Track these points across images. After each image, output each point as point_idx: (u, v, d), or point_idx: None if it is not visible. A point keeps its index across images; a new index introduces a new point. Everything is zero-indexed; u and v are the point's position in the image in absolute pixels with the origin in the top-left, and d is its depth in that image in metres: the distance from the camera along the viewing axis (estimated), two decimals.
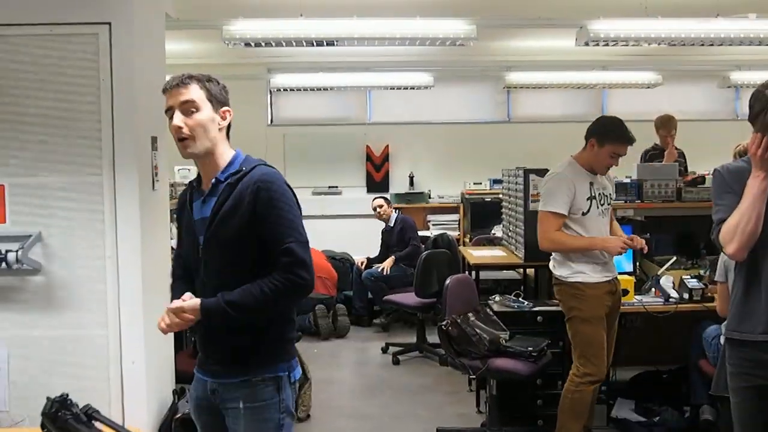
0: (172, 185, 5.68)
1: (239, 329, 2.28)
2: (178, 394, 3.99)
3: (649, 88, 8.55)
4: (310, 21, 5.23)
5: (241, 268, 2.29)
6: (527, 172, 5.06)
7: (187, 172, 8.01)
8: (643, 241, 3.96)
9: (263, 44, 5.42)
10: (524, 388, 4.45)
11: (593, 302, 3.87)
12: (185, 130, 2.26)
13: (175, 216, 2.56)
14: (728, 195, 2.64)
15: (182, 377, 4.11)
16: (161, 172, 3.96)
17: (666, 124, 6.38)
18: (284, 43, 5.40)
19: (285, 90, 8.77)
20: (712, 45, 5.53)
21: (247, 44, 5.39)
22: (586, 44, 5.32)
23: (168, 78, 2.35)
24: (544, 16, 5.64)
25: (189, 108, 2.27)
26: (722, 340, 3.59)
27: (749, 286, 2.64)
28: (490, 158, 8.75)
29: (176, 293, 2.36)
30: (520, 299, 4.70)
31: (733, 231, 2.55)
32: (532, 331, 4.43)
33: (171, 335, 4.06)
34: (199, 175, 2.42)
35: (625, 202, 5.01)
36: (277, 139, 9.00)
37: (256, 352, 2.31)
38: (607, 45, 5.40)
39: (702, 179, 5.07)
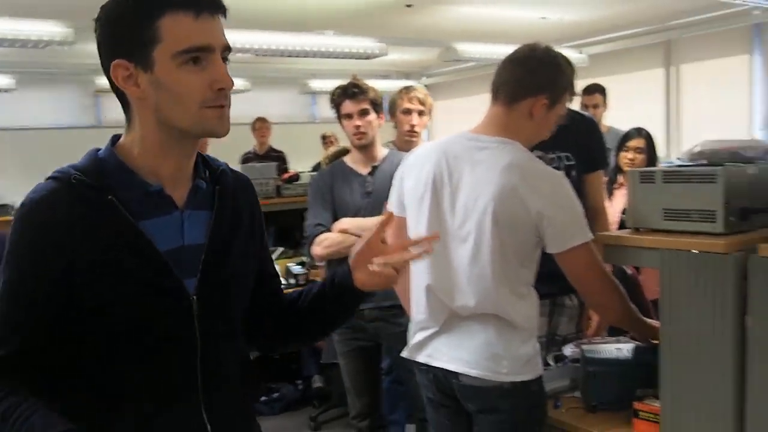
0: None
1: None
2: None
3: (239, 93, 9.13)
4: None
5: (239, 325, 1.46)
6: None
7: None
8: None
9: None
10: None
11: None
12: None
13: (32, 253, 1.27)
14: (319, 200, 3.19)
15: None
16: None
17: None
18: None
19: None
20: (298, 57, 6.19)
21: None
22: None
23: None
24: None
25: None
26: None
27: None
28: None
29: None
30: None
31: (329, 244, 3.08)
32: None
33: None
34: (120, 171, 1.32)
35: None
36: None
37: None
38: None
39: (296, 176, 5.64)
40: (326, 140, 8.64)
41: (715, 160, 1.91)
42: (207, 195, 1.39)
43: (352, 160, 3.23)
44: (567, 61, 2.15)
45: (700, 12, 7.36)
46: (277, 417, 4.83)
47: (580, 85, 5.86)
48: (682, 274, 1.79)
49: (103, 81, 5.81)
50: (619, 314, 2.17)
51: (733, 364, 1.70)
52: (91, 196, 1.27)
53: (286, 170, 6.83)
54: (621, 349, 2.25)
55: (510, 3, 6.81)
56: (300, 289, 1.56)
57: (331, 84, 9.35)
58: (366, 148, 3.15)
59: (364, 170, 3.18)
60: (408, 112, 3.41)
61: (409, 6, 6.73)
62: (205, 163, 1.42)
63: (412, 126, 3.41)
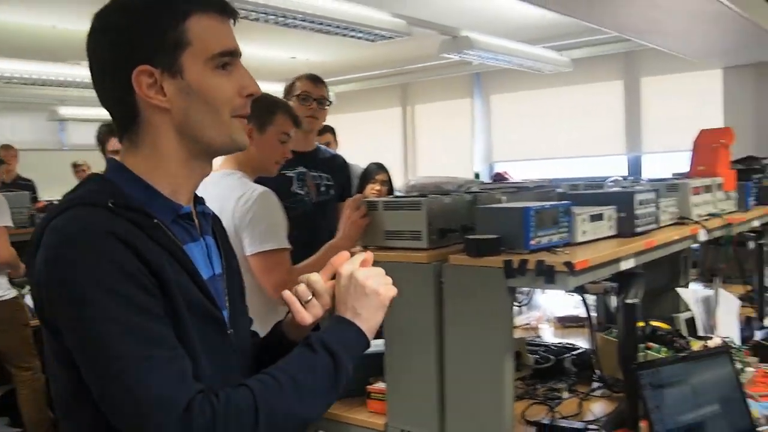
0: None
1: None
2: None
3: None
4: None
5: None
6: None
7: None
8: None
9: None
10: None
11: None
12: None
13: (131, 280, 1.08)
14: None
15: None
16: None
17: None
18: None
19: None
20: (44, 85, 6.21)
21: None
22: None
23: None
24: None
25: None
26: None
27: None
28: None
29: None
30: None
31: None
32: None
33: None
34: (148, 194, 1.19)
35: None
36: None
37: None
38: None
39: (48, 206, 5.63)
40: (78, 168, 8.45)
41: (423, 192, 2.47)
42: (206, 220, 1.31)
43: None
44: (270, 97, 2.70)
45: (431, 59, 8.36)
46: None
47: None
48: (399, 280, 2.32)
49: None
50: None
51: (435, 344, 2.23)
52: (139, 220, 1.12)
53: (35, 199, 6.71)
54: None
55: (263, 43, 7.29)
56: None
57: (82, 111, 9.27)
58: None
59: None
60: None
61: None
62: None
63: None
